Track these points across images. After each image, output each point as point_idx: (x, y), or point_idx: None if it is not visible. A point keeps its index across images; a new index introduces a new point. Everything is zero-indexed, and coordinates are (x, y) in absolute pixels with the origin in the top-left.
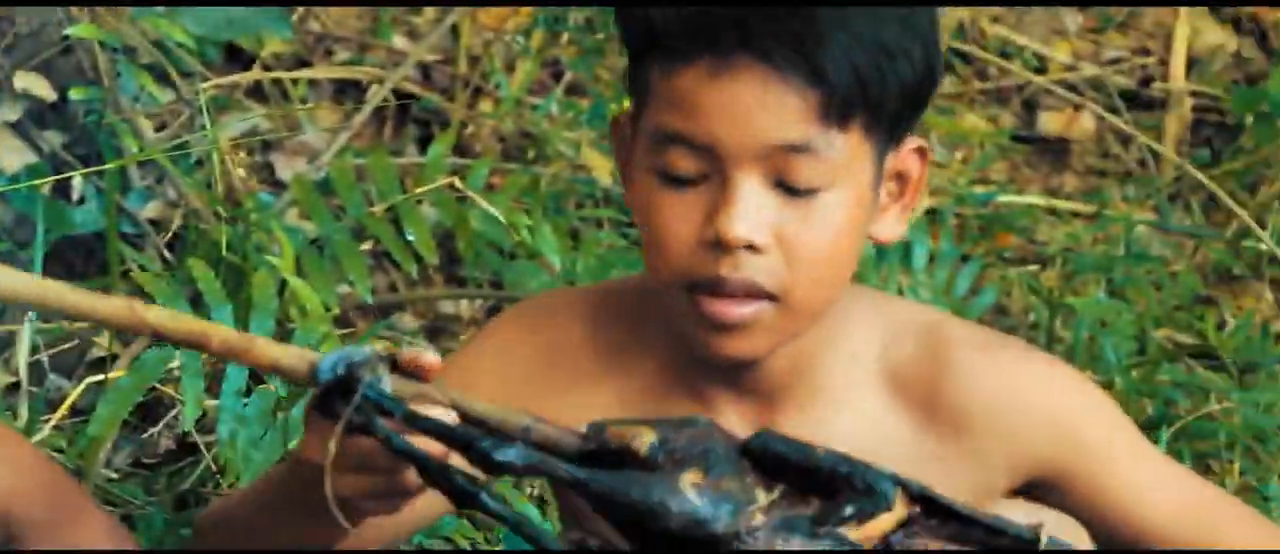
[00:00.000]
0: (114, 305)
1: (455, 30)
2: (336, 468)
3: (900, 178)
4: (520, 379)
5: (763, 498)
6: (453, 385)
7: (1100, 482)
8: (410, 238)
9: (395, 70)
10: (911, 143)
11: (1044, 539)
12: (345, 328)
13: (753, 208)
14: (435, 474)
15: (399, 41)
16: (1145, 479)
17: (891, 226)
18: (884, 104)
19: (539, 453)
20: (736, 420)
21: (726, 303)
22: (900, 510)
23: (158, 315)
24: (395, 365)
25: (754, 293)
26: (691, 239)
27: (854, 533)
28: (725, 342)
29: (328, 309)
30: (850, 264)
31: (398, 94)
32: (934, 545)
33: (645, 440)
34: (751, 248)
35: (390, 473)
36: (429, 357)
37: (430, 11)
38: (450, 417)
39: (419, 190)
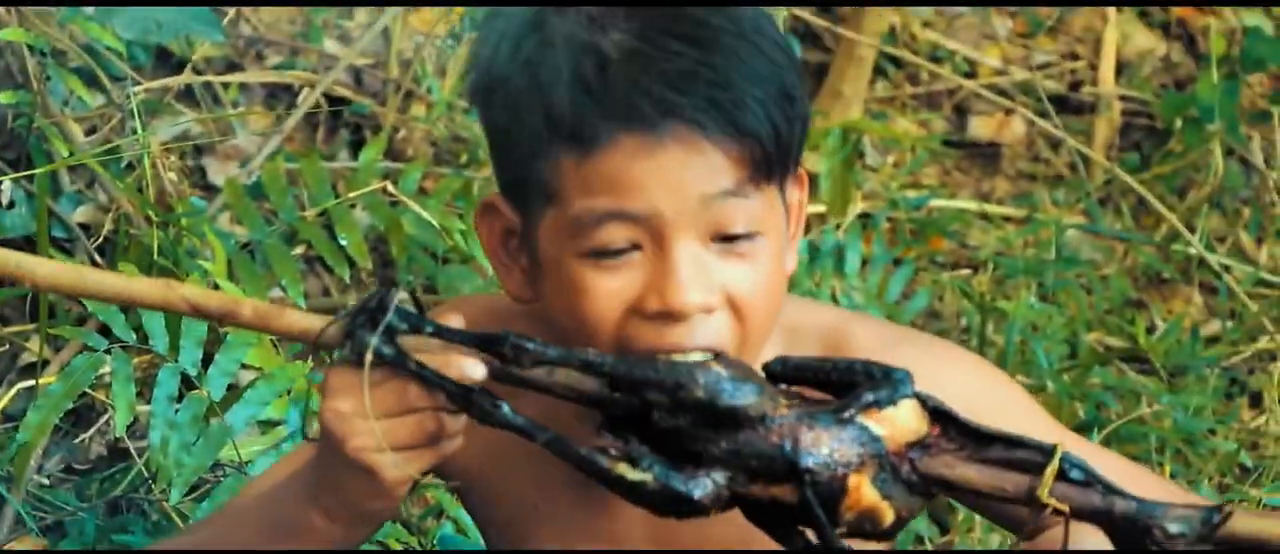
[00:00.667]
0: (150, 286)
1: (387, 34)
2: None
3: (787, 208)
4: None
5: (785, 401)
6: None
7: None
8: (343, 242)
9: (327, 74)
10: (799, 171)
11: (1059, 452)
12: None
13: (697, 271)
14: (459, 395)
15: (330, 45)
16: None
17: (793, 257)
18: (792, 146)
19: (562, 349)
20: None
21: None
22: (920, 425)
23: (192, 292)
24: (418, 304)
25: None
26: (624, 312)
27: (877, 425)
28: None
29: None
30: (779, 303)
31: (329, 98)
32: (954, 461)
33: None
34: (703, 309)
35: (428, 411)
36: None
37: (362, 15)
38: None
39: (351, 194)
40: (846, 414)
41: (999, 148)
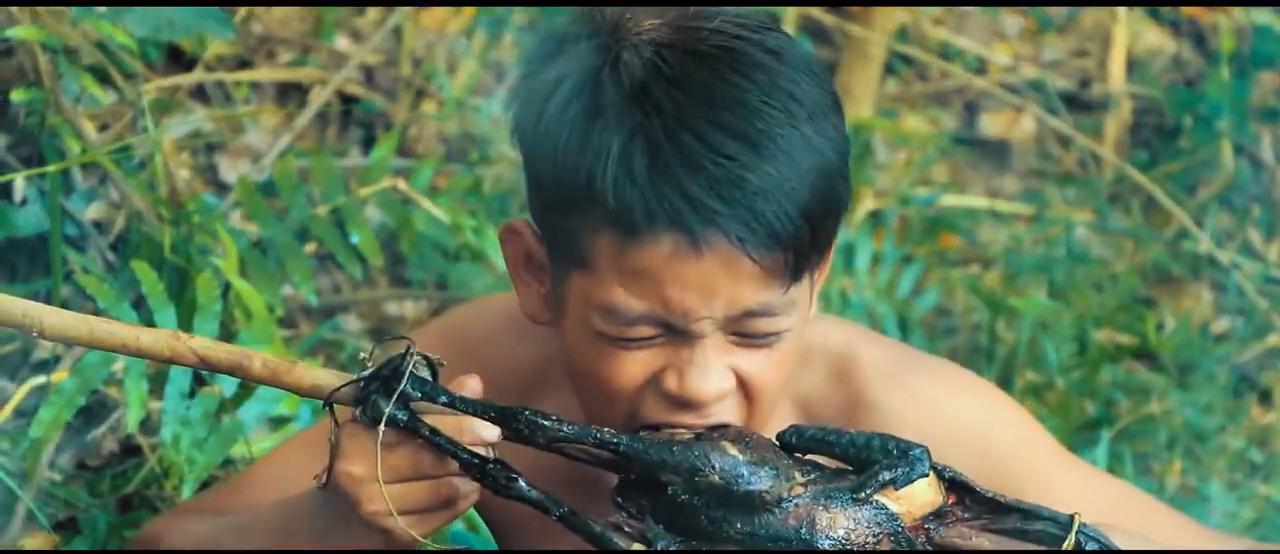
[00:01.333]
0: (156, 337)
1: (398, 32)
2: (384, 478)
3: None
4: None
5: (800, 476)
6: None
7: (1025, 491)
8: (354, 239)
9: (338, 72)
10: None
11: (1076, 525)
12: (289, 329)
13: (719, 364)
14: (473, 465)
15: (342, 43)
16: (1070, 487)
17: (814, 306)
18: (829, 236)
19: (577, 425)
20: None
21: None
22: (936, 497)
23: (201, 344)
24: (432, 368)
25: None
26: (640, 388)
27: (893, 502)
28: None
29: (272, 311)
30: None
31: (341, 96)
32: (970, 532)
33: (684, 433)
34: (719, 398)
35: (440, 477)
36: (474, 384)
37: (373, 13)
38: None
39: (363, 192)
40: (863, 494)
41: (1009, 145)
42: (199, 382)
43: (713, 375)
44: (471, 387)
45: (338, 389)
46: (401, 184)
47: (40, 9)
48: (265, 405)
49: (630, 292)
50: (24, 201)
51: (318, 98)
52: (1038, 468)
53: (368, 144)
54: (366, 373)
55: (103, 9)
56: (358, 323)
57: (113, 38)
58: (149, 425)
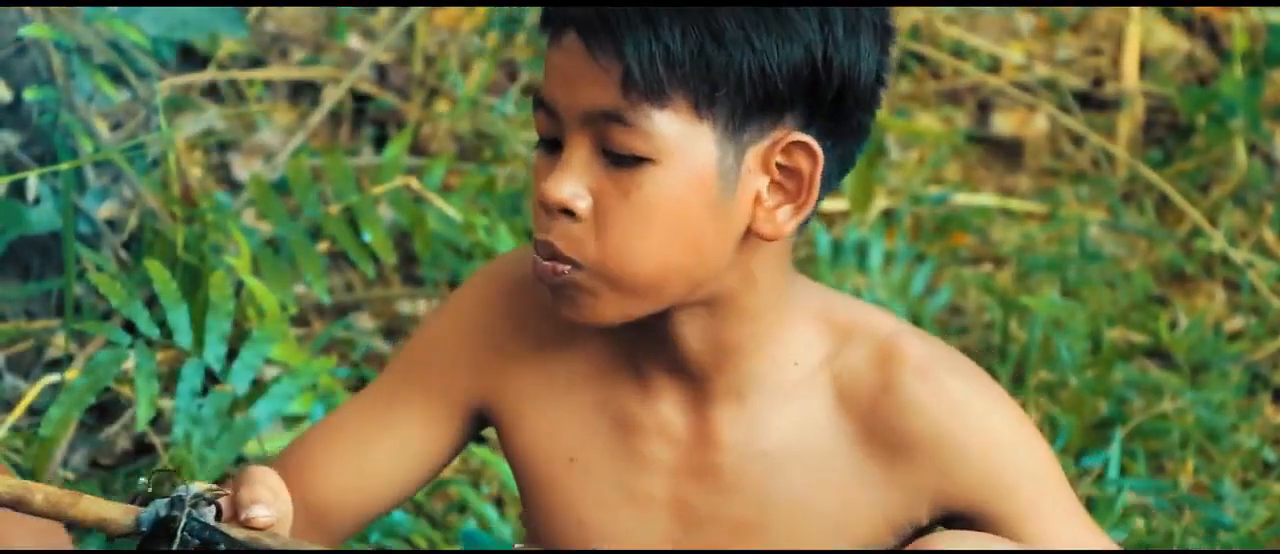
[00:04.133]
0: None
1: (411, 30)
2: None
3: (790, 174)
4: (485, 347)
5: None
6: (420, 348)
7: (1015, 529)
8: (367, 238)
9: (351, 70)
10: (794, 137)
11: None
12: (302, 327)
13: (575, 171)
14: None
15: (355, 42)
16: (1061, 539)
17: (777, 223)
18: (715, 89)
19: None
20: (672, 402)
21: (542, 263)
22: None
23: None
24: (219, 512)
25: (555, 256)
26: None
27: None
28: (558, 305)
29: (284, 309)
30: (688, 245)
31: (354, 94)
32: None
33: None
34: (569, 213)
35: None
36: (260, 514)
37: (386, 12)
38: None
39: (376, 190)
40: None
41: (1021, 144)
42: (211, 380)
43: (565, 177)
44: (261, 514)
45: (121, 525)
46: (414, 182)
47: (53, 8)
48: (278, 403)
49: (539, 83)
50: (37, 200)
51: (330, 96)
52: (1042, 508)
53: (380, 142)
54: (147, 526)
55: (115, 7)
56: (370, 321)
57: (126, 36)
58: (161, 423)
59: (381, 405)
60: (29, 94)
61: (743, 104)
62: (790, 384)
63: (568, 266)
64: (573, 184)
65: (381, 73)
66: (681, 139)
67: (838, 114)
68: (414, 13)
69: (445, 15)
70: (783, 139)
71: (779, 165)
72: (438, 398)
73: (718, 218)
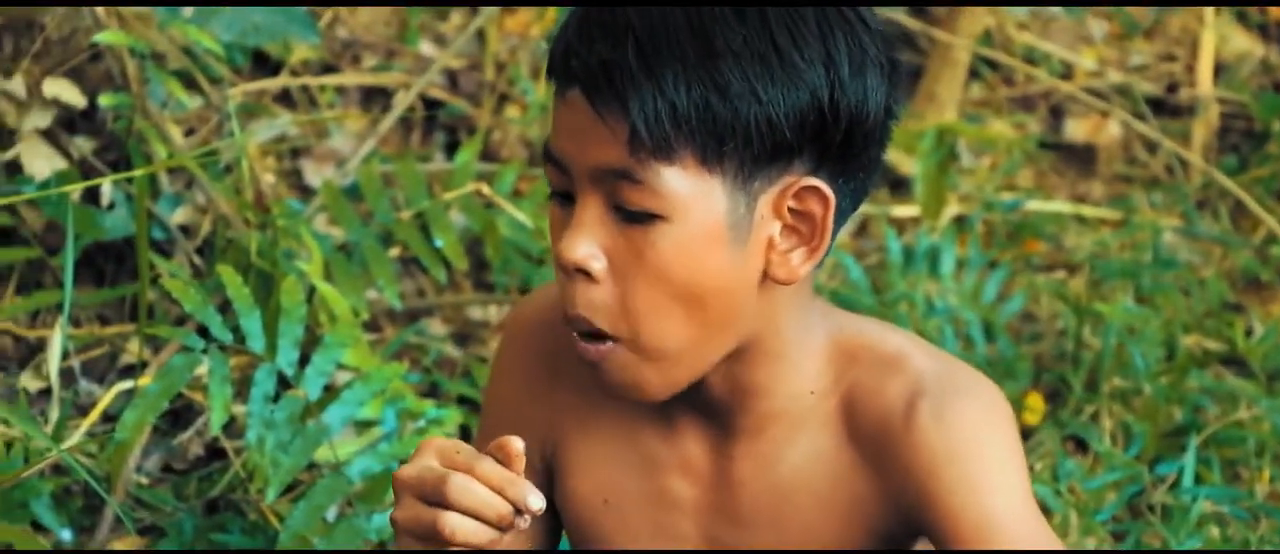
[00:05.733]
0: None
1: (481, 36)
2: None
3: (803, 217)
4: (534, 403)
5: None
6: (490, 418)
7: (958, 516)
8: (438, 244)
9: (422, 76)
10: (804, 182)
11: None
12: (374, 333)
13: (588, 230)
14: None
15: (426, 47)
16: (1012, 536)
17: (791, 267)
18: (722, 143)
19: None
20: (695, 442)
21: (587, 346)
22: None
23: None
24: None
25: (589, 332)
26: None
27: None
28: (604, 385)
29: (356, 314)
30: (709, 300)
31: (425, 100)
32: None
33: None
34: (586, 274)
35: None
36: (515, 444)
37: (457, 17)
38: None
39: (447, 196)
40: None
41: (1095, 150)
42: (284, 385)
43: (579, 236)
44: (535, 503)
45: None
46: (485, 188)
47: (126, 13)
48: (350, 408)
49: (549, 136)
50: (111, 206)
51: (402, 102)
52: (994, 509)
53: (451, 148)
54: None
55: (189, 13)
56: (442, 327)
57: (199, 42)
58: (234, 429)
59: None
60: (103, 100)
61: (751, 155)
62: (803, 415)
63: (608, 344)
64: (586, 244)
65: (452, 79)
66: (692, 194)
67: (847, 154)
68: (484, 17)
69: (516, 20)
70: (793, 185)
71: (791, 209)
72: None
73: (732, 267)
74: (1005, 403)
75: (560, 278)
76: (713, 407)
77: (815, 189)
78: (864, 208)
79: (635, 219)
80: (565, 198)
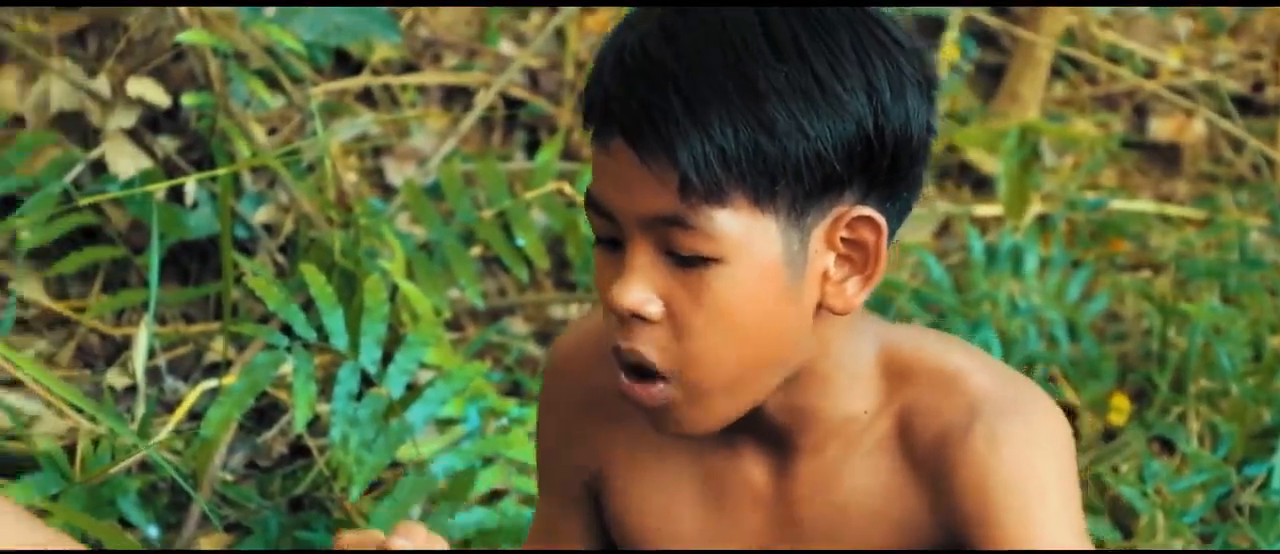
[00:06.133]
0: None
1: (561, 35)
2: None
3: (856, 246)
4: (581, 435)
5: None
6: (540, 457)
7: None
8: (520, 243)
9: (502, 75)
10: (856, 212)
11: None
12: (456, 332)
13: (641, 275)
14: None
15: (506, 47)
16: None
17: (847, 297)
18: (774, 182)
19: None
20: (754, 463)
21: (635, 387)
22: None
23: None
24: None
25: (646, 373)
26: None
27: None
28: (658, 424)
29: (438, 313)
30: (766, 337)
31: (505, 99)
32: None
33: None
34: (640, 319)
35: None
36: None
37: (537, 17)
38: None
39: (528, 195)
40: None
41: (1179, 149)
42: (367, 383)
43: (633, 283)
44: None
45: None
46: (566, 187)
47: (209, 13)
48: (432, 407)
49: (590, 183)
50: (195, 205)
51: (482, 101)
52: (1036, 517)
53: (532, 147)
54: None
55: (271, 12)
56: (523, 325)
57: (281, 42)
58: (318, 427)
59: (546, 535)
60: (187, 100)
61: (803, 190)
62: (858, 432)
63: (659, 385)
64: (641, 290)
65: (533, 78)
66: (745, 235)
67: (894, 177)
68: (564, 15)
69: (595, 19)
70: (845, 215)
71: (844, 239)
72: (576, 501)
73: (789, 303)
74: (1063, 425)
75: (610, 320)
76: (770, 429)
77: (867, 218)
78: (946, 207)
79: (690, 263)
80: (611, 243)
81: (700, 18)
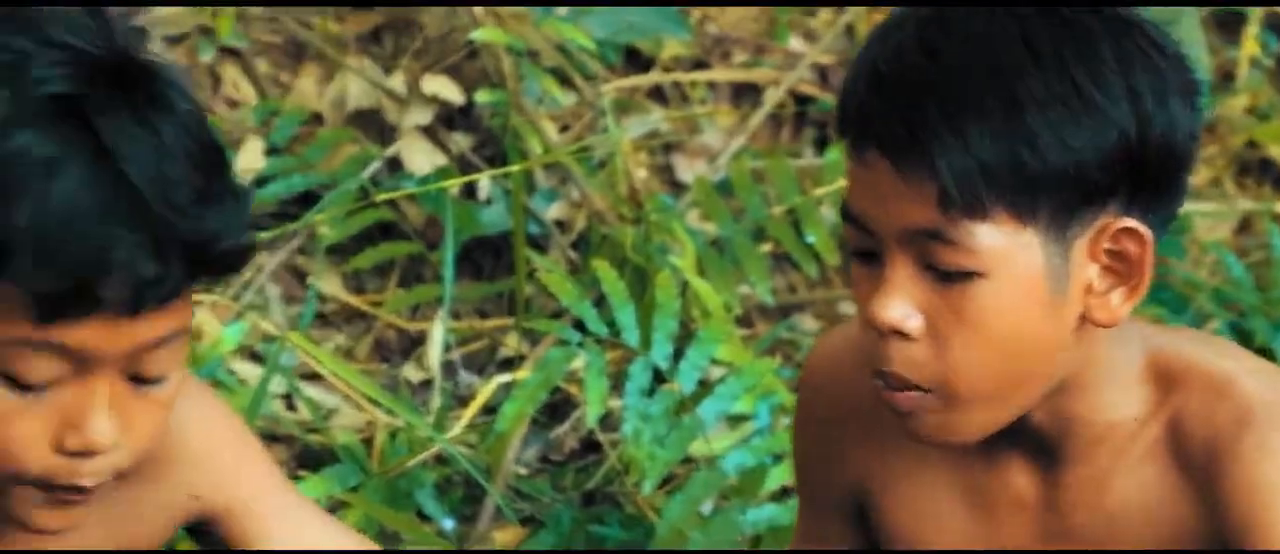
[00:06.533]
0: None
1: (851, 31)
2: None
3: (1120, 257)
4: (839, 452)
5: None
6: (798, 473)
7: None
8: (810, 239)
9: (792, 72)
10: (1120, 224)
11: None
12: (746, 328)
13: (900, 290)
14: None
15: (795, 43)
16: None
17: (1112, 310)
18: (1035, 196)
19: None
20: (1021, 473)
21: (895, 394)
22: None
23: None
24: None
25: (906, 386)
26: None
27: None
28: (915, 431)
29: (728, 309)
30: (1028, 351)
31: (795, 96)
32: None
33: None
34: (900, 334)
35: None
36: None
37: (826, 13)
38: None
39: (817, 192)
40: None
41: None
42: (659, 379)
43: (892, 298)
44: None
45: None
46: None
47: (504, 11)
48: (724, 403)
49: (847, 191)
50: (489, 201)
51: (772, 98)
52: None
53: (822, 144)
54: None
55: (563, 10)
56: (813, 322)
57: (573, 40)
58: (610, 422)
59: (810, 542)
60: (480, 97)
61: (1064, 203)
62: (1127, 439)
63: (917, 392)
64: (901, 305)
65: (822, 74)
66: (1007, 249)
67: (1158, 187)
68: (853, 14)
69: (886, 16)
70: (1108, 227)
71: (1107, 251)
72: (838, 510)
73: (1051, 316)
74: None
75: (869, 334)
76: (1036, 438)
77: (1131, 230)
78: (1246, 204)
79: (951, 277)
80: (867, 255)
81: (959, 27)
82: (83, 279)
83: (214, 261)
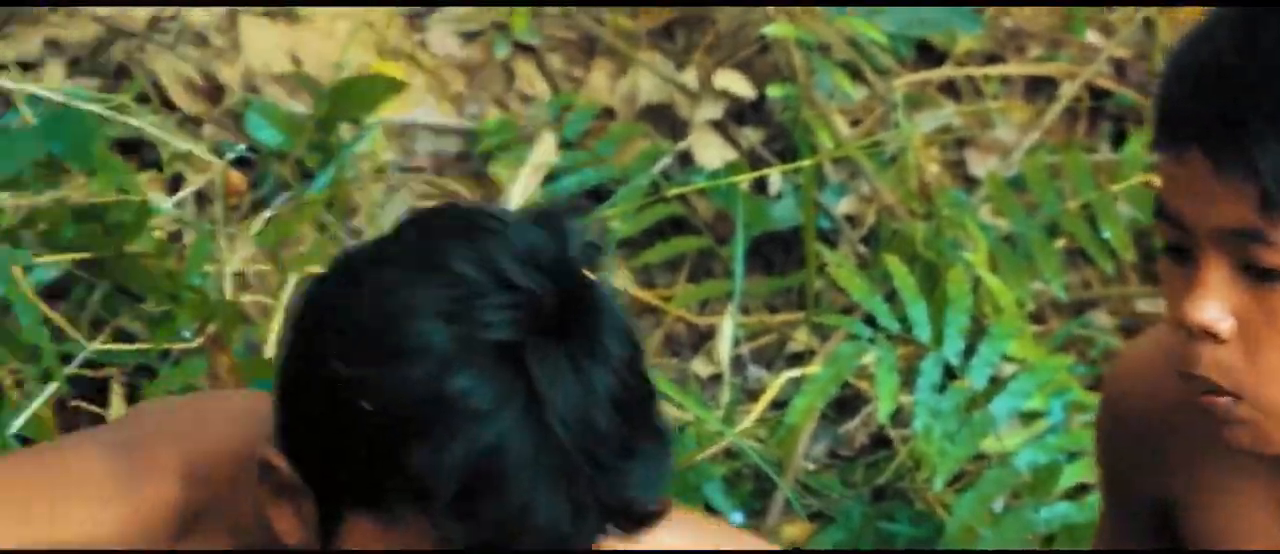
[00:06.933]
0: None
1: (1149, 25)
2: None
3: None
4: (1142, 462)
5: None
6: (1102, 482)
7: None
8: (1105, 235)
9: (1088, 66)
10: None
11: None
12: (1039, 325)
13: (1214, 291)
14: None
15: (1093, 37)
16: None
17: None
18: None
19: None
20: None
21: (1209, 399)
22: None
23: None
24: None
25: (1214, 391)
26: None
27: None
28: (1227, 437)
29: (1021, 306)
30: None
31: (1091, 90)
32: None
33: None
34: (1211, 335)
35: None
36: None
37: (1124, 8)
38: None
39: (1114, 187)
40: None
41: None
42: (949, 375)
43: (1206, 298)
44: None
45: None
46: (1154, 180)
47: (796, 8)
48: (1016, 400)
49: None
50: (779, 196)
51: (1067, 93)
52: None
53: (1118, 139)
54: None
55: (857, 6)
56: (1108, 319)
57: (865, 34)
58: (900, 417)
59: (1114, 544)
60: (771, 91)
61: None
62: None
63: (1229, 399)
64: (1214, 307)
65: (1119, 68)
66: None
67: None
68: (1152, 8)
69: (1189, 10)
70: None
71: None
72: (1143, 517)
73: None
74: None
75: (1178, 335)
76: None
77: None
78: None
79: (1268, 278)
80: (1179, 252)
81: (1278, 25)
82: (500, 536)
83: (627, 521)
